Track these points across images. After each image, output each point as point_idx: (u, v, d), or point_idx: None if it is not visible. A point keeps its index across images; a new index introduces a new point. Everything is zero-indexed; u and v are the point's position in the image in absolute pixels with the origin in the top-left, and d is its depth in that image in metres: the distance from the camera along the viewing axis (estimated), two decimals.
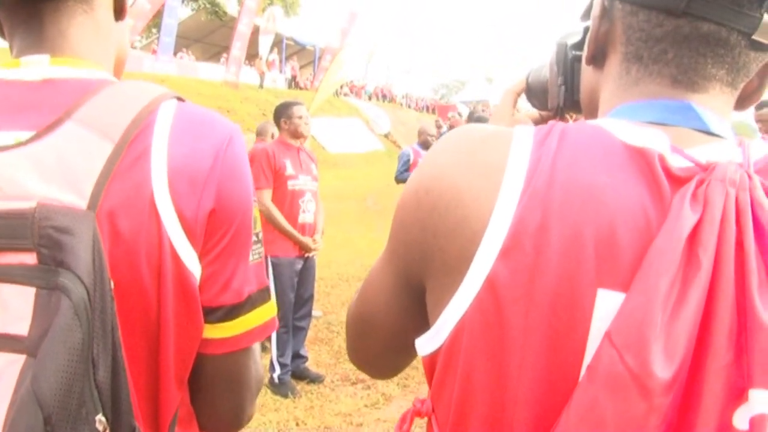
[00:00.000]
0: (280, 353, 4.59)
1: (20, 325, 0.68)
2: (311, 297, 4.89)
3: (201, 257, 0.85)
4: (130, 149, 0.79)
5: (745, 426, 0.56)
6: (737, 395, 0.57)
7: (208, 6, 35.48)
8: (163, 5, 23.38)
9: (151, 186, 0.79)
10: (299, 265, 4.62)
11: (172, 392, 0.85)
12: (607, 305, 0.61)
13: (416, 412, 0.80)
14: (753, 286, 0.57)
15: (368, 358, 0.95)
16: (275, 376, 4.56)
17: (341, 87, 31.74)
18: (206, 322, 0.87)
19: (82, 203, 0.74)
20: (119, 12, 0.94)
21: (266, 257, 4.51)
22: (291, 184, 4.52)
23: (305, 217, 4.57)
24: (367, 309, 0.89)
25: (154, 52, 27.53)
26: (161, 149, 0.80)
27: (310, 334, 5.27)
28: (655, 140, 0.67)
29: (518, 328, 0.64)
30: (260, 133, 5.93)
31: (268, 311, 0.93)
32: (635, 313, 0.58)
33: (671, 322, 0.57)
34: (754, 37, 0.68)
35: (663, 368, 0.56)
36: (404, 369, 0.95)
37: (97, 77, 0.86)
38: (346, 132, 28.34)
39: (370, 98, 39.94)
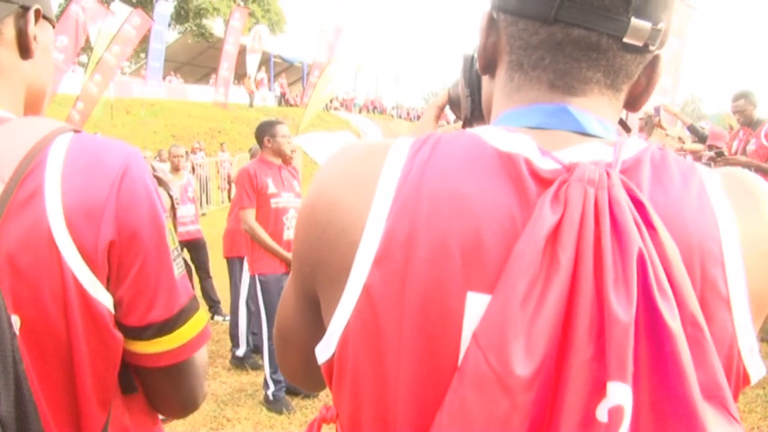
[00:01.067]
0: (274, 370, 4.59)
1: None
2: None
3: (118, 283, 0.88)
4: (22, 188, 0.81)
5: (606, 419, 0.58)
6: (599, 389, 0.58)
7: (194, 28, 35.62)
8: (149, 30, 23.49)
9: (48, 222, 0.81)
10: (286, 281, 4.62)
11: (95, 414, 0.89)
12: (476, 308, 0.63)
13: (323, 419, 0.83)
14: (609, 283, 0.59)
15: (292, 371, 0.97)
16: (269, 393, 4.56)
17: (331, 101, 31.81)
18: (142, 339, 0.91)
19: None
20: (25, 50, 0.96)
21: (254, 275, 4.55)
22: (274, 202, 4.56)
23: (290, 233, 4.59)
24: (281, 325, 0.92)
25: (143, 77, 27.61)
26: (54, 185, 0.83)
27: None
28: (523, 145, 0.69)
29: (393, 333, 0.66)
30: (254, 154, 5.94)
31: (200, 321, 0.97)
32: (497, 314, 0.60)
33: (532, 321, 0.59)
34: (624, 39, 0.71)
35: (523, 366, 0.58)
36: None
37: None
38: (338, 146, 28.34)
39: (360, 111, 40.00)
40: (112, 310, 0.88)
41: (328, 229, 0.72)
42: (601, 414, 0.58)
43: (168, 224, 0.94)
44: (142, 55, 32.02)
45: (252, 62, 29.50)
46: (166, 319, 0.92)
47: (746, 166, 6.09)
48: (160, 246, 0.92)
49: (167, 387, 1.00)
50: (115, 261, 0.87)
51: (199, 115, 25.04)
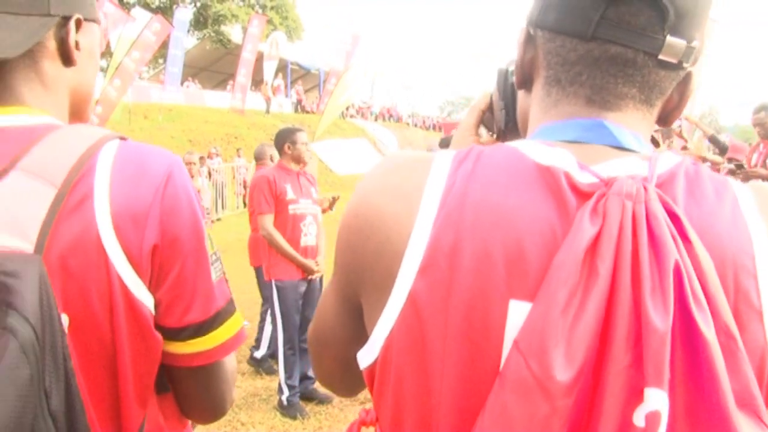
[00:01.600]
0: (288, 375, 4.62)
1: None
2: None
3: (158, 285, 0.92)
4: (73, 193, 0.85)
5: (643, 423, 0.60)
6: (636, 395, 0.61)
7: (212, 35, 35.90)
8: (168, 36, 23.71)
9: (97, 226, 0.85)
10: (303, 288, 4.67)
11: (134, 412, 0.92)
12: (518, 315, 0.66)
13: (362, 422, 0.85)
14: (646, 293, 0.61)
15: (327, 375, 1.00)
16: (284, 398, 4.59)
17: (347, 109, 31.90)
18: (178, 340, 0.95)
19: (29, 247, 0.81)
20: (67, 59, 1.00)
21: (270, 281, 4.58)
22: (292, 209, 4.59)
23: (307, 240, 4.63)
24: (319, 329, 0.95)
25: (162, 82, 27.84)
26: (103, 191, 0.87)
27: None
28: (563, 159, 0.72)
29: (438, 339, 0.69)
30: (259, 158, 5.99)
31: (236, 323, 1.01)
32: (538, 321, 0.63)
33: (572, 329, 0.62)
34: (659, 57, 0.74)
35: (563, 372, 0.60)
36: (363, 388, 1.00)
37: (42, 123, 0.92)
38: (354, 153, 28.45)
39: (376, 119, 40.08)
40: (153, 311, 0.91)
41: (373, 238, 0.75)
42: (638, 419, 0.60)
43: (207, 229, 0.98)
44: (161, 61, 32.31)
45: (269, 69, 29.63)
46: (202, 321, 0.96)
47: (766, 179, 6.08)
48: (200, 250, 0.95)
49: (198, 389, 1.03)
50: (157, 264, 0.91)
51: (215, 120, 25.20)
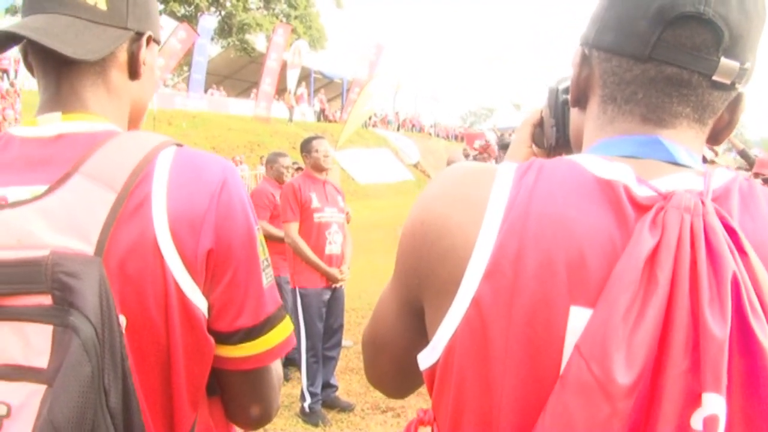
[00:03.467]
0: (311, 383, 4.64)
1: (41, 359, 0.80)
2: (341, 327, 4.95)
3: (211, 289, 0.95)
4: (132, 197, 0.89)
5: (700, 427, 0.63)
6: (694, 399, 0.64)
7: (237, 43, 36.25)
8: (193, 44, 23.98)
9: (154, 230, 0.89)
10: (327, 296, 4.70)
11: (186, 413, 0.96)
12: (578, 320, 0.69)
13: (420, 421, 0.88)
14: (704, 302, 0.64)
15: (380, 376, 1.04)
16: (306, 405, 4.62)
17: (370, 118, 32.00)
18: (229, 344, 0.98)
19: (90, 249, 0.85)
20: (134, 73, 1.06)
21: (294, 288, 4.62)
22: (317, 217, 4.63)
23: (332, 248, 4.67)
24: (377, 330, 0.98)
25: (186, 89, 28.16)
26: (161, 196, 0.91)
27: (340, 363, 5.32)
28: (622, 172, 0.75)
29: (500, 342, 0.72)
30: (271, 163, 6.08)
31: (286, 329, 1.04)
32: (600, 326, 0.66)
33: (632, 334, 0.65)
34: (714, 78, 0.77)
35: (624, 375, 0.63)
36: (415, 389, 1.03)
37: (102, 129, 0.97)
38: (376, 163, 28.49)
39: (398, 129, 40.18)
40: (206, 315, 0.95)
41: (439, 244, 0.79)
42: (696, 423, 0.63)
43: (259, 235, 1.01)
44: (185, 68, 32.66)
45: (291, 77, 29.83)
46: (253, 326, 0.98)
47: None
48: (252, 256, 0.99)
49: (246, 393, 1.06)
50: (211, 268, 0.94)
51: (239, 128, 25.41)
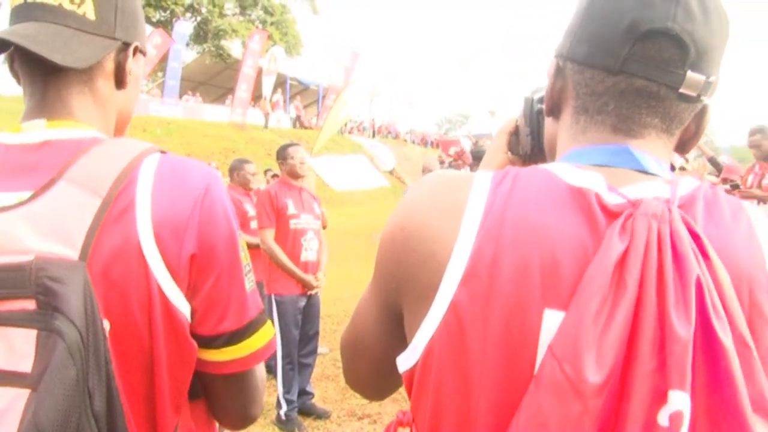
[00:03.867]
0: (286, 390, 4.64)
1: (25, 363, 0.80)
2: (316, 334, 4.95)
3: (194, 294, 0.97)
4: (117, 203, 0.91)
5: (666, 422, 0.66)
6: (660, 397, 0.67)
7: (212, 49, 36.10)
8: (168, 50, 23.83)
9: (138, 236, 0.91)
10: (303, 303, 4.70)
11: (169, 417, 0.97)
12: (552, 322, 0.72)
13: (399, 422, 0.91)
14: (670, 304, 0.68)
15: (359, 378, 1.06)
16: (282, 413, 4.62)
17: (345, 125, 32.00)
18: (212, 347, 1.00)
19: (74, 254, 0.86)
20: (120, 82, 1.08)
21: (270, 295, 4.62)
22: (293, 223, 4.64)
23: (307, 255, 4.68)
24: (356, 334, 1.01)
25: (160, 95, 27.96)
26: (145, 201, 0.92)
27: (316, 370, 5.32)
28: (593, 181, 0.79)
29: (477, 344, 0.75)
30: (233, 170, 6.14)
31: (268, 332, 1.06)
32: (571, 328, 0.69)
33: (602, 336, 0.68)
34: (680, 90, 0.81)
35: (595, 374, 0.66)
36: (393, 391, 1.05)
37: (88, 136, 0.99)
38: (351, 169, 28.47)
39: (374, 135, 40.25)
40: (189, 319, 0.96)
41: (418, 250, 0.81)
42: (663, 419, 0.66)
43: (241, 241, 1.03)
44: (159, 74, 32.44)
45: (267, 84, 29.74)
46: (236, 330, 1.00)
47: (761, 199, 6.20)
48: (234, 261, 1.00)
49: (229, 395, 1.08)
50: (194, 273, 0.96)
51: (214, 134, 25.26)
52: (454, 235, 0.78)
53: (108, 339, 0.86)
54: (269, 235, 4.59)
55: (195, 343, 0.97)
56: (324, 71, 35.97)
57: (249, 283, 1.04)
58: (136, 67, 1.10)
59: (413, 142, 44.48)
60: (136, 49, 1.09)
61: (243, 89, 25.78)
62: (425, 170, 7.80)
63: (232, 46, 36.41)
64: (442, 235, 0.79)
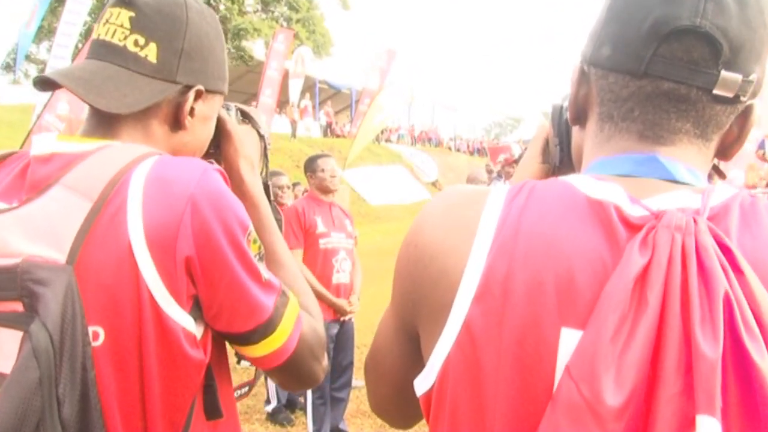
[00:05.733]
0: (317, 427, 4.68)
1: (6, 364, 0.89)
2: (350, 364, 4.99)
3: (212, 297, 1.04)
4: (108, 206, 0.99)
5: None
6: (688, 422, 0.69)
7: (232, 51, 36.52)
8: None
9: (129, 239, 0.98)
10: (335, 330, 4.74)
11: None
12: (569, 342, 0.76)
13: None
14: (696, 322, 0.71)
15: (382, 403, 1.12)
16: None
17: (382, 132, 32.04)
18: (252, 343, 1.10)
19: (62, 257, 0.95)
20: (176, 124, 1.19)
21: None
22: (323, 243, 4.70)
23: (340, 277, 4.73)
24: (377, 356, 1.07)
25: None
26: (136, 204, 1.00)
27: (351, 405, 5.34)
28: (612, 192, 0.82)
29: (492, 365, 0.79)
30: None
31: (294, 309, 1.15)
32: (589, 348, 0.72)
33: (622, 355, 0.71)
34: (714, 92, 0.83)
35: (613, 397, 0.70)
36: (419, 419, 1.10)
37: (95, 147, 1.07)
38: (389, 182, 28.47)
39: (414, 143, 40.25)
40: (188, 328, 1.03)
41: (431, 267, 0.87)
42: None
43: (249, 227, 1.10)
44: None
45: (294, 88, 29.87)
46: (265, 321, 1.09)
47: None
48: (240, 254, 1.07)
49: (290, 378, 1.21)
50: (198, 276, 1.03)
51: None
52: (467, 251, 0.83)
53: (96, 347, 0.95)
54: (297, 256, 4.63)
55: (196, 356, 1.04)
56: (357, 73, 36.08)
57: (263, 270, 1.11)
58: (203, 107, 1.21)
59: (458, 150, 44.36)
60: (200, 92, 1.18)
61: (267, 94, 25.93)
62: (471, 181, 7.73)
63: (255, 47, 36.73)
64: (455, 252, 0.84)
